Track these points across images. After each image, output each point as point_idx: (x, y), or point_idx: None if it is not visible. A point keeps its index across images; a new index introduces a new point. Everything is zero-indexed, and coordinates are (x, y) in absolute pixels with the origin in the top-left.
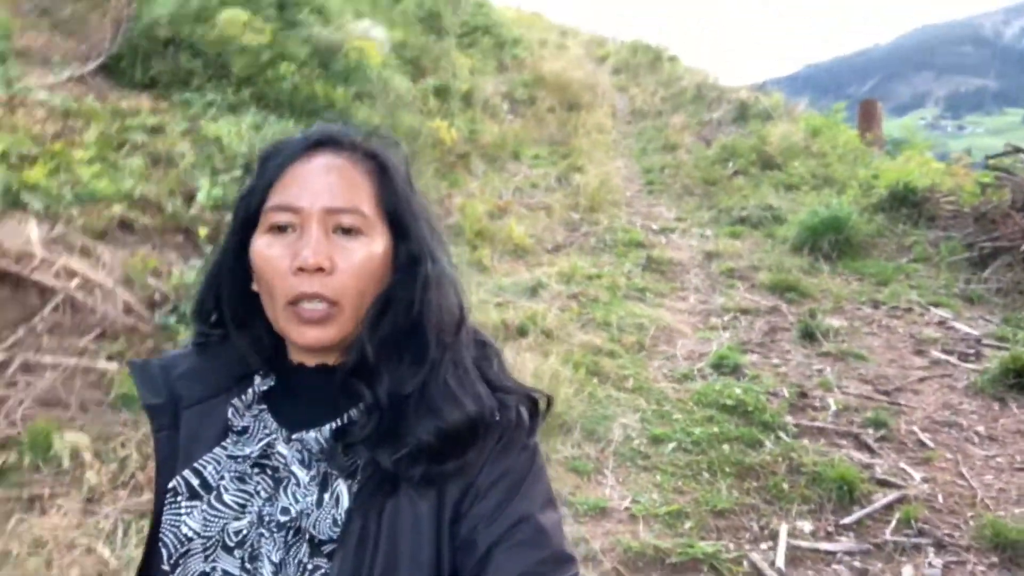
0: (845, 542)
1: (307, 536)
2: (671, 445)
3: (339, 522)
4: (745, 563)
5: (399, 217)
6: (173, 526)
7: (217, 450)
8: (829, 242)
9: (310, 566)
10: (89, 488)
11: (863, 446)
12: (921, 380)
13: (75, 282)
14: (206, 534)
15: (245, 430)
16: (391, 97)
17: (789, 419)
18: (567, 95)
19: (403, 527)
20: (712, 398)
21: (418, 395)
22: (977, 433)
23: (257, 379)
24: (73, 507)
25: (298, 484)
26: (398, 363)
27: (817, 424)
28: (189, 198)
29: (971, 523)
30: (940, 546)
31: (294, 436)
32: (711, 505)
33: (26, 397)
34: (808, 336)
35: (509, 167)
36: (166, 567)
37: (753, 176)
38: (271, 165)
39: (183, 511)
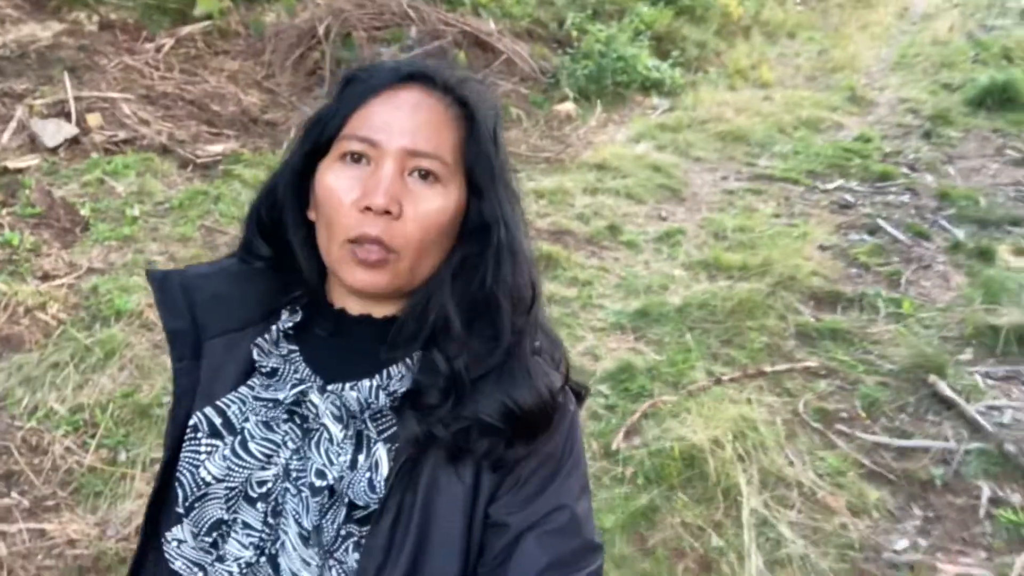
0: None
1: (345, 500)
2: None
3: (376, 487)
4: None
5: (478, 173)
6: (192, 466)
7: (243, 389)
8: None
9: (343, 532)
10: None
11: None
12: None
13: (509, 53)
14: (230, 483)
15: (274, 372)
16: None
17: None
18: None
19: (438, 507)
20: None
21: (497, 372)
22: None
23: (284, 315)
24: None
25: (331, 441)
26: (475, 337)
27: None
28: (561, 23)
29: None
30: None
31: (329, 387)
32: None
33: None
34: None
35: (783, 42)
36: (180, 509)
37: (986, 65)
38: (354, 91)
39: (203, 450)
